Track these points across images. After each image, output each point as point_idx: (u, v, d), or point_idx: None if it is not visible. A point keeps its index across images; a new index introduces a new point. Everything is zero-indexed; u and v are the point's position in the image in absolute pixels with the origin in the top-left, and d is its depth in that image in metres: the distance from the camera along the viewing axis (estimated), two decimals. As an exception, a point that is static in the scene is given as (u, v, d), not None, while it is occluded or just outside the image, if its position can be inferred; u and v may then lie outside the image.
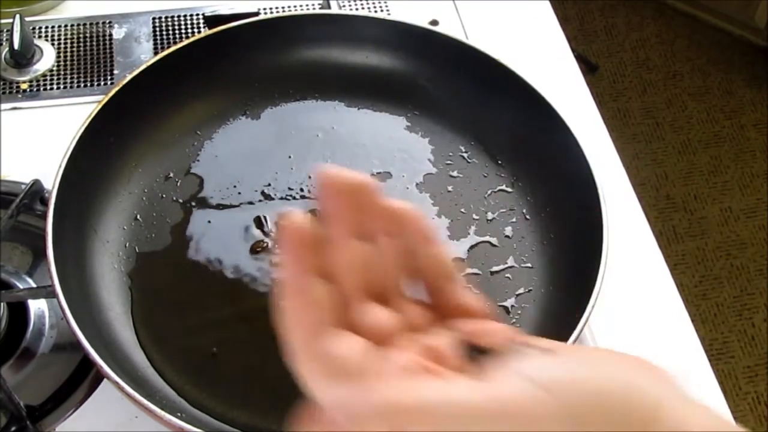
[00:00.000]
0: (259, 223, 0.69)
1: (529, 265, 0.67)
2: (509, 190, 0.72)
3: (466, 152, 0.74)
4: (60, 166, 0.63)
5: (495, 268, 0.67)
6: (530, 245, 0.69)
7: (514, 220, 0.70)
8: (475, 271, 0.67)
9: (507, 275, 0.67)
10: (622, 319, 0.69)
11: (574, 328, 0.57)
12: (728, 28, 2.11)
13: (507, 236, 0.69)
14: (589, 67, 2.02)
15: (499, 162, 0.73)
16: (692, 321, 0.70)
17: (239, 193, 0.70)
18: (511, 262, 0.68)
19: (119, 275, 0.65)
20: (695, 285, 1.70)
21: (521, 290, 0.66)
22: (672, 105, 1.99)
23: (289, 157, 0.73)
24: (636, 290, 0.71)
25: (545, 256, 0.68)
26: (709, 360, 0.68)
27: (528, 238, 0.69)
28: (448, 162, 0.74)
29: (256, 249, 0.67)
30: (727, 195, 1.84)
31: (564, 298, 0.64)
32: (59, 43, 0.86)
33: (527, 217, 0.70)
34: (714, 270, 1.72)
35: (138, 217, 0.69)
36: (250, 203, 0.70)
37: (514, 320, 0.65)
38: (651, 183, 1.85)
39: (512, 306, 0.65)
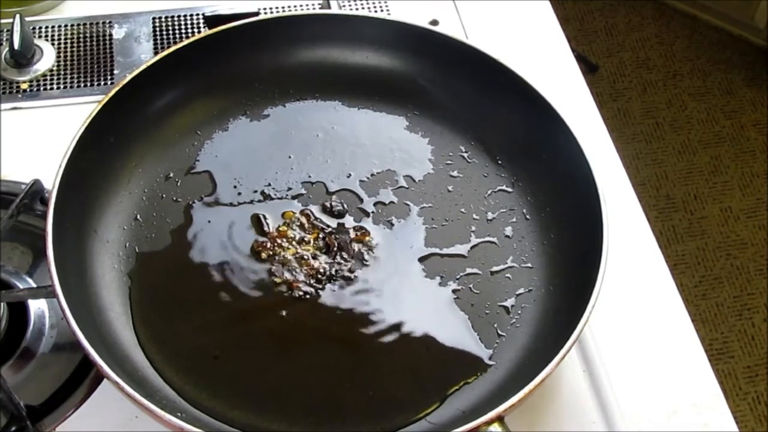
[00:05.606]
0: (258, 222, 0.69)
1: (529, 265, 0.67)
2: (509, 190, 0.72)
3: (466, 152, 0.74)
4: (60, 166, 0.63)
5: (495, 268, 0.67)
6: (530, 245, 0.69)
7: (514, 220, 0.70)
8: (475, 270, 0.67)
9: (507, 275, 0.67)
10: (622, 319, 0.69)
11: (574, 328, 0.57)
12: (728, 28, 2.11)
13: (507, 236, 0.69)
14: (589, 67, 2.02)
15: (499, 162, 0.73)
16: (692, 321, 0.70)
17: (239, 193, 0.71)
18: (511, 262, 0.68)
19: (119, 275, 0.65)
20: (695, 285, 1.70)
21: (521, 290, 0.66)
22: (672, 105, 1.99)
23: (289, 157, 0.73)
24: (636, 290, 0.71)
25: (545, 256, 0.68)
26: (709, 360, 0.68)
27: (528, 238, 0.69)
28: (448, 162, 0.74)
29: (256, 249, 0.67)
30: (727, 195, 1.84)
31: (564, 298, 0.64)
32: (59, 43, 0.86)
33: (527, 217, 0.70)
34: (714, 270, 1.72)
35: (138, 217, 0.69)
36: (250, 203, 0.70)
37: (514, 320, 0.65)
38: (651, 183, 1.85)
39: (512, 306, 0.65)
